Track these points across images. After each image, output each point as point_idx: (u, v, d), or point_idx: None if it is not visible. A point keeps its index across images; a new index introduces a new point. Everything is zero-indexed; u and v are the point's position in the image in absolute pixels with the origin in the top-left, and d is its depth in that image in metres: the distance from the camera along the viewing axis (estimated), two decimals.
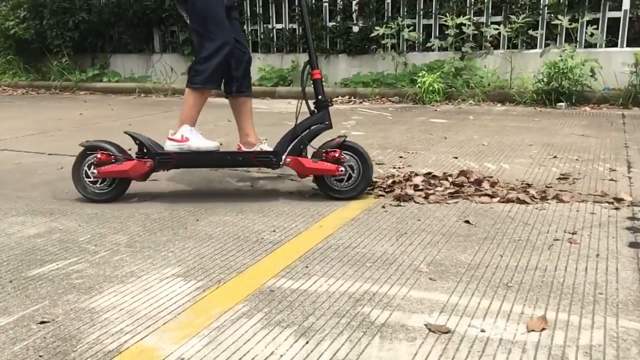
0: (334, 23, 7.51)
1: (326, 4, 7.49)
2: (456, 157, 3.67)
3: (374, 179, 3.00)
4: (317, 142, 2.85)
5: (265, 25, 7.99)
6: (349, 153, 2.79)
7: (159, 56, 8.61)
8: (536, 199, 2.73)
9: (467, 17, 6.69)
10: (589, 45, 6.39)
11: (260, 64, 7.72)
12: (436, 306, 1.71)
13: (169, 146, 2.82)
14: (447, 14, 6.73)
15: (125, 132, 2.91)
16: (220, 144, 2.98)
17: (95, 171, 2.78)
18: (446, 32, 6.77)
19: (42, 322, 1.66)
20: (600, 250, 2.11)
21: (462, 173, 3.10)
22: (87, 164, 2.81)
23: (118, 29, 8.71)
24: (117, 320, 1.66)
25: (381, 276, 1.93)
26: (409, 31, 6.91)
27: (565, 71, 5.76)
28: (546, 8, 6.50)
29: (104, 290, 1.87)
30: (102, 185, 2.84)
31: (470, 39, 6.73)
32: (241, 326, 1.62)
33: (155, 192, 3.04)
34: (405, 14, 7.14)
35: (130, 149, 2.96)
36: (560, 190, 2.85)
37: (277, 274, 1.96)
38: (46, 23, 8.68)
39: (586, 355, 1.45)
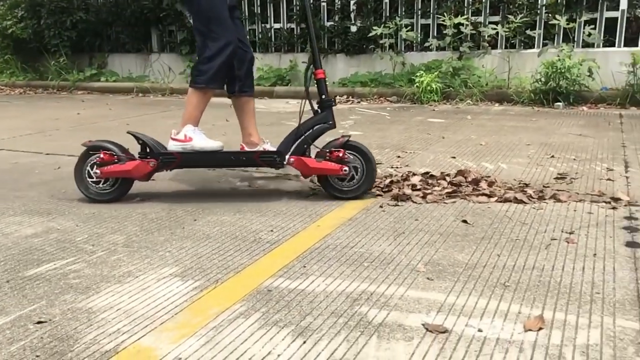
0: (332, 23, 7.51)
1: (324, 4, 7.50)
2: (454, 157, 3.67)
3: None
4: (320, 142, 2.85)
5: (263, 25, 8.00)
6: (353, 153, 2.78)
7: (157, 56, 8.60)
8: (534, 198, 2.73)
9: (465, 16, 6.70)
10: (586, 45, 6.41)
11: (258, 64, 7.71)
12: (433, 306, 1.71)
13: (172, 146, 2.81)
14: (445, 13, 6.74)
15: (128, 132, 2.90)
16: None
17: (98, 171, 2.78)
18: (444, 31, 6.77)
19: (39, 322, 1.66)
20: (598, 250, 2.11)
21: (460, 173, 3.10)
22: (89, 164, 2.81)
23: (116, 29, 8.70)
24: (114, 320, 1.66)
25: (379, 276, 1.93)
26: (407, 31, 6.91)
27: (562, 71, 5.77)
28: (544, 8, 6.52)
29: (101, 290, 1.87)
30: (104, 185, 2.83)
31: (468, 38, 6.74)
32: (239, 326, 1.62)
33: (153, 191, 3.03)
34: (403, 13, 7.15)
35: (128, 148, 2.95)
36: (558, 190, 2.85)
37: (275, 274, 1.96)
38: (44, 22, 8.67)
39: (583, 355, 1.45)
